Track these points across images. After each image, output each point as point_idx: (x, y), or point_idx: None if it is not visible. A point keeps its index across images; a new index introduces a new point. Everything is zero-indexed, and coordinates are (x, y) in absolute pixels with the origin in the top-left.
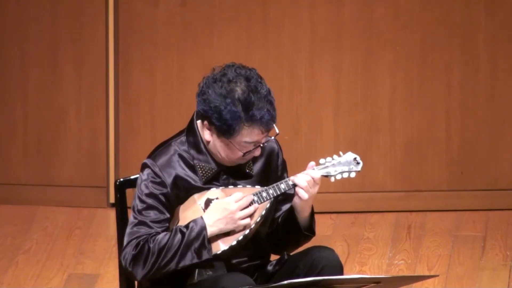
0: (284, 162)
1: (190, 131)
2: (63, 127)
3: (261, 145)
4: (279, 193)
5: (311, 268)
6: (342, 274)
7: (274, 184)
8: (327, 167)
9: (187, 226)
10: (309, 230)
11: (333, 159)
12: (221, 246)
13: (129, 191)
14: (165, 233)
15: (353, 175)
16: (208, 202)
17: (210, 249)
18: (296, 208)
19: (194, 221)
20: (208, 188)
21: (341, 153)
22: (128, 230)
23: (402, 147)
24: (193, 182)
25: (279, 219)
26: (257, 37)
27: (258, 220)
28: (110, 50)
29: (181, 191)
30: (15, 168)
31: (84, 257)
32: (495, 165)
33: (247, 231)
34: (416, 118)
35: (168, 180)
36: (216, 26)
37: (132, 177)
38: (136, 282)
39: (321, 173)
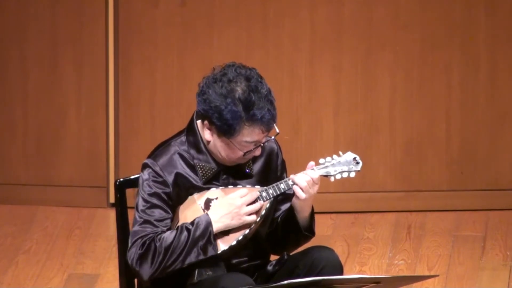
0: (283, 162)
1: (190, 131)
2: (63, 127)
3: (262, 144)
4: (278, 193)
5: (311, 268)
6: (342, 274)
7: (274, 184)
8: (326, 167)
9: (192, 223)
10: (309, 230)
11: (332, 159)
12: (221, 246)
13: (129, 191)
14: (170, 231)
15: (352, 175)
16: (208, 202)
17: (215, 245)
18: (296, 208)
19: (199, 217)
20: (208, 188)
21: (340, 153)
22: (133, 229)
23: (402, 147)
24: (193, 182)
25: (279, 219)
26: (257, 37)
27: (258, 220)
28: (110, 50)
29: (182, 190)
30: (15, 168)
31: (84, 257)
32: (495, 165)
33: (247, 231)
34: (416, 118)
35: (170, 179)
36: (216, 26)
37: (132, 177)
38: (136, 282)
39: (320, 173)
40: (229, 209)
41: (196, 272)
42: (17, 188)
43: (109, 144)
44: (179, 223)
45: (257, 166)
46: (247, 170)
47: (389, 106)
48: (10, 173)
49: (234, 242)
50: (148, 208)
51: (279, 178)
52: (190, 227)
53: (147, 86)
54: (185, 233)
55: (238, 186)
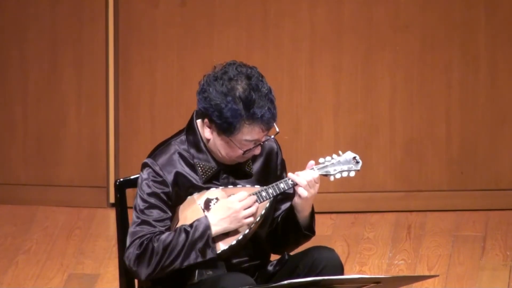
0: (283, 161)
1: (190, 130)
2: (63, 127)
3: (261, 143)
4: (278, 192)
5: (311, 268)
6: (342, 274)
7: (274, 184)
8: (326, 166)
9: (191, 225)
10: (309, 230)
11: (332, 158)
12: (221, 246)
13: (129, 191)
14: (168, 232)
15: (352, 174)
16: (207, 202)
17: (214, 248)
18: (297, 207)
19: (198, 220)
20: (208, 188)
21: (340, 152)
22: (130, 229)
23: (402, 147)
24: (193, 181)
25: (279, 219)
26: (257, 37)
27: (258, 219)
28: (110, 50)
29: (181, 189)
30: (15, 168)
31: (84, 257)
32: (495, 165)
33: (246, 231)
34: (416, 118)
35: (169, 178)
36: (216, 26)
37: (132, 177)
38: (136, 282)
39: (320, 173)
40: (227, 212)
41: (197, 272)
42: (17, 188)
43: (109, 144)
44: (179, 223)
45: (256, 166)
46: (247, 169)
47: (389, 106)
48: (10, 173)
49: (234, 242)
50: (147, 208)
51: (279, 177)
52: (188, 229)
53: (147, 86)
54: (183, 235)
55: (238, 186)
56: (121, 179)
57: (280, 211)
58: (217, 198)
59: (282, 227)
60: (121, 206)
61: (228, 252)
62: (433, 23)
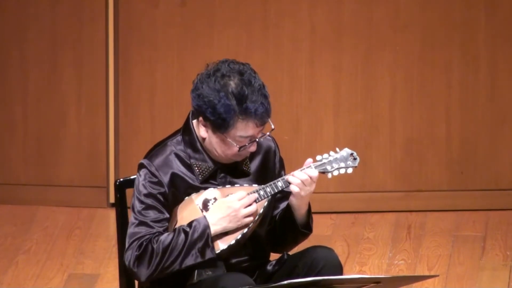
0: (281, 160)
1: (186, 130)
2: (63, 127)
3: (257, 140)
4: (276, 191)
5: (310, 268)
6: (341, 274)
7: (271, 182)
8: (324, 163)
9: (190, 226)
10: (306, 228)
11: (329, 155)
12: (220, 246)
13: (129, 191)
14: (168, 233)
15: (350, 171)
16: (205, 202)
17: (213, 248)
18: (293, 205)
19: (197, 220)
20: (205, 188)
21: (337, 149)
22: (129, 231)
23: (402, 147)
24: (190, 181)
25: (277, 217)
26: (257, 37)
27: (256, 218)
28: (110, 50)
29: (178, 190)
30: (15, 168)
31: (84, 257)
32: (495, 165)
33: (245, 230)
34: (416, 118)
35: (165, 179)
36: (216, 26)
37: (132, 177)
38: (136, 283)
39: (318, 170)
40: (227, 211)
41: (196, 272)
42: (17, 188)
43: (109, 144)
44: (177, 224)
45: (254, 165)
46: (244, 168)
47: (389, 106)
48: (10, 173)
49: (233, 242)
50: (144, 209)
51: (277, 176)
52: (187, 229)
53: (147, 86)
54: (182, 235)
55: (236, 185)
56: (121, 179)
57: (278, 210)
58: (215, 198)
59: (279, 226)
60: (121, 206)
61: (227, 252)
62: (433, 23)
